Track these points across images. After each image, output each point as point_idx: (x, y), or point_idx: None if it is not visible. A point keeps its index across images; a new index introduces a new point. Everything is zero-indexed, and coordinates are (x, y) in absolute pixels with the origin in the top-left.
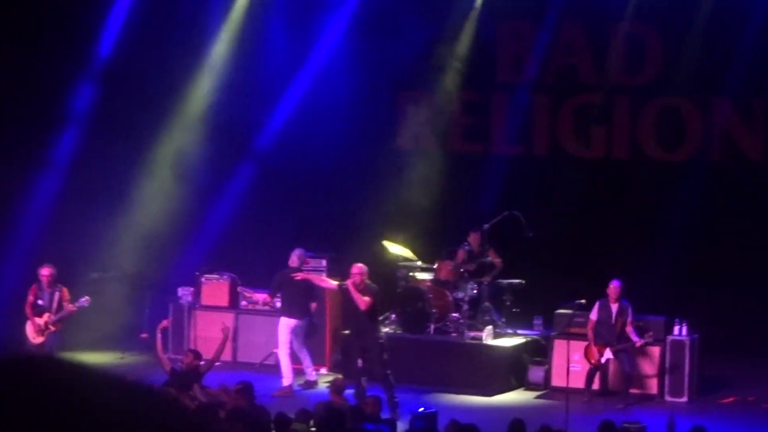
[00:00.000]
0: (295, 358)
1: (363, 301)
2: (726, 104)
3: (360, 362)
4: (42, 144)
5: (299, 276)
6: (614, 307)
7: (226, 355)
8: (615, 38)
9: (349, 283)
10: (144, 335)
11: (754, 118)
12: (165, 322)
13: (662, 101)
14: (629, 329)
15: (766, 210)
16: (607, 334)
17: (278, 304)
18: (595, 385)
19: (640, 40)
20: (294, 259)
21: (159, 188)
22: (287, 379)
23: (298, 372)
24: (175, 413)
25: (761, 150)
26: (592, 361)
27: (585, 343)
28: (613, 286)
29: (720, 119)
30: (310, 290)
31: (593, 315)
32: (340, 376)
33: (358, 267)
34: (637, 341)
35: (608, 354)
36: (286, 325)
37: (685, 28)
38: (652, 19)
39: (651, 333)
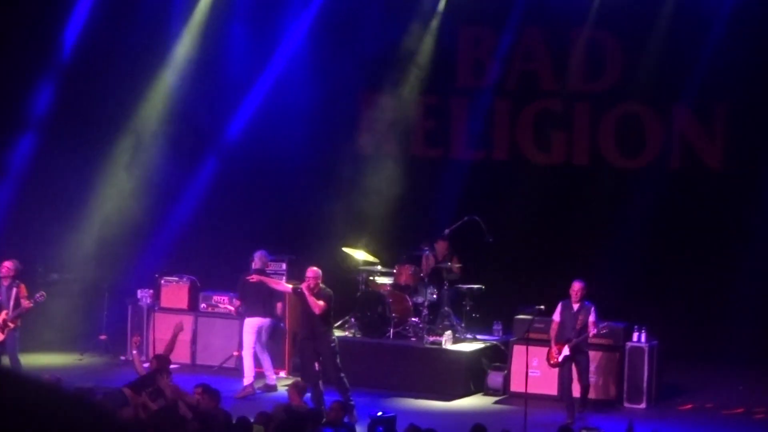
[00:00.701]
0: (256, 361)
1: (317, 305)
2: (685, 111)
3: (316, 366)
4: (1, 145)
5: (254, 278)
6: (576, 307)
7: (185, 358)
8: (575, 44)
9: (303, 286)
10: (103, 337)
11: (713, 126)
12: (136, 338)
13: (622, 108)
14: (591, 329)
15: (725, 217)
16: (570, 332)
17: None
18: (554, 390)
19: (600, 46)
20: (257, 261)
21: (118, 190)
22: (248, 378)
23: (258, 375)
24: (110, 423)
25: (720, 157)
26: (552, 362)
27: (545, 349)
28: (575, 287)
29: (679, 126)
30: (275, 291)
31: (556, 316)
32: (299, 379)
33: (313, 270)
34: (592, 331)
35: (565, 350)
36: (250, 325)
37: (645, 34)
38: (613, 25)
39: (606, 324)
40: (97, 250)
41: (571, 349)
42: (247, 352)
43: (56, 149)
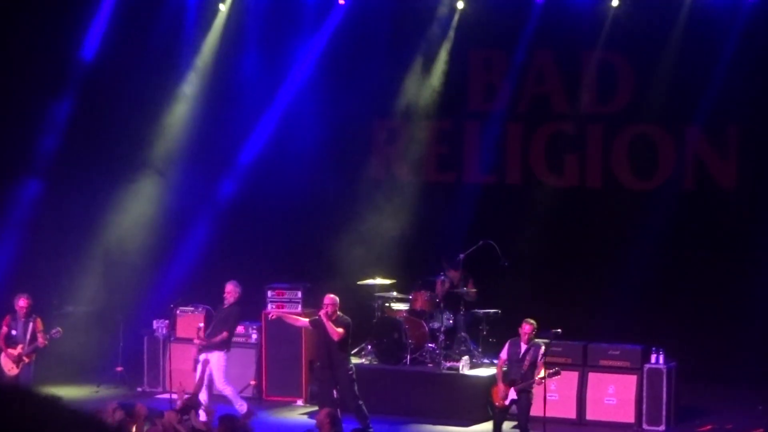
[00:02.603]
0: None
1: (336, 332)
2: (698, 132)
3: (335, 393)
4: (15, 176)
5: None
6: (524, 348)
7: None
8: (587, 67)
9: (321, 313)
10: (119, 368)
11: (726, 146)
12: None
13: (634, 129)
14: (539, 369)
15: (739, 237)
16: (515, 374)
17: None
18: (573, 414)
19: (611, 68)
20: (233, 293)
21: (132, 219)
22: (243, 405)
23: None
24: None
25: (733, 177)
26: (497, 403)
27: (563, 373)
28: (525, 329)
29: (692, 147)
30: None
31: (503, 354)
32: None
33: (330, 298)
34: (538, 380)
35: (512, 394)
36: (223, 358)
37: (657, 56)
38: (624, 47)
39: (556, 369)
40: (112, 282)
41: (517, 393)
42: (226, 384)
43: (67, 179)
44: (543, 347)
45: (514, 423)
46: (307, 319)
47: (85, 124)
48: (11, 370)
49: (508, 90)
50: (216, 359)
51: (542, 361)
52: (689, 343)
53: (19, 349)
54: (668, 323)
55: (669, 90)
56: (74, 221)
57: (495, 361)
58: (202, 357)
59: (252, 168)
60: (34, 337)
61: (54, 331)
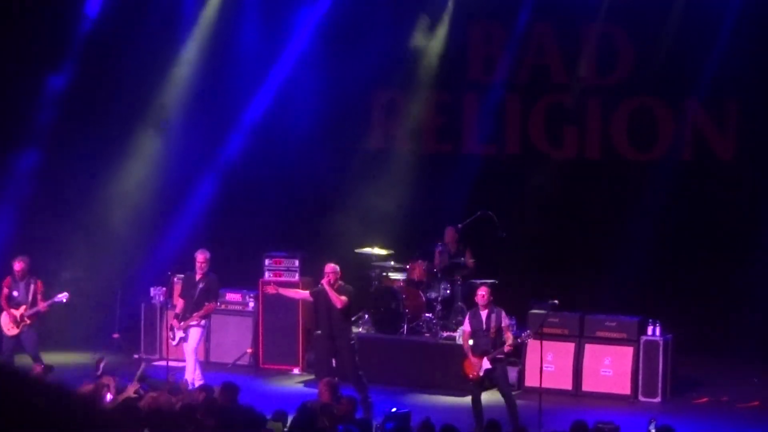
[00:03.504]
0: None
1: (339, 300)
2: (697, 104)
3: (333, 362)
4: (15, 141)
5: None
6: (484, 314)
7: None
8: (586, 39)
9: (324, 282)
10: (116, 335)
11: (725, 119)
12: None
13: (634, 101)
14: (507, 334)
15: (737, 209)
16: (483, 343)
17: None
18: (569, 385)
19: (611, 40)
20: (204, 263)
21: (131, 187)
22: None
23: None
24: (95, 416)
25: (732, 149)
26: (471, 376)
27: (560, 344)
28: (480, 294)
29: (691, 119)
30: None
31: (465, 326)
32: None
33: (332, 266)
34: (509, 340)
35: (486, 364)
36: (203, 329)
37: (657, 28)
38: (624, 19)
39: (527, 332)
40: (110, 248)
41: (491, 362)
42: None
43: (66, 145)
44: (503, 311)
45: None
46: (306, 291)
47: (82, 92)
48: (10, 330)
49: (508, 62)
50: (198, 331)
51: (508, 324)
52: (686, 316)
53: (21, 310)
54: (665, 295)
55: (669, 63)
56: (72, 188)
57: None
58: (181, 335)
59: (250, 137)
60: (35, 300)
61: (62, 294)
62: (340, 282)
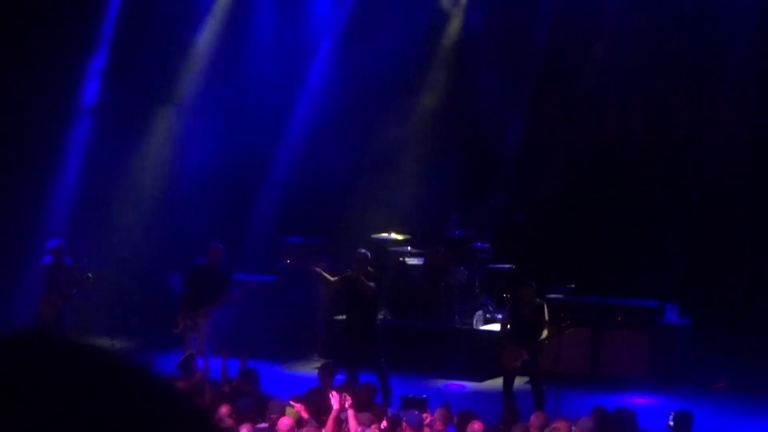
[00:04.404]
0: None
1: (368, 287)
2: (719, 87)
3: (355, 349)
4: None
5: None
6: (526, 305)
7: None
8: (605, 20)
9: (353, 269)
10: (135, 321)
11: (746, 102)
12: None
13: (652, 83)
14: (547, 327)
15: (757, 192)
16: (523, 334)
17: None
18: (586, 369)
19: (631, 21)
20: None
21: (151, 174)
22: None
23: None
24: (177, 400)
25: (751, 135)
26: (509, 366)
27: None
28: (524, 294)
29: (713, 102)
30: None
31: (506, 316)
32: (330, 360)
33: (362, 253)
34: (546, 338)
35: (524, 355)
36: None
37: (677, 10)
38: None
39: (569, 323)
40: (128, 233)
41: (530, 354)
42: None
43: (96, 134)
44: (545, 305)
45: (528, 378)
46: (335, 277)
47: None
48: (47, 315)
49: (525, 43)
50: (208, 321)
51: (547, 319)
52: (705, 300)
53: (56, 293)
54: (684, 279)
55: (688, 43)
56: (94, 169)
57: None
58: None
59: (269, 120)
60: (68, 283)
61: (84, 276)
62: (370, 269)
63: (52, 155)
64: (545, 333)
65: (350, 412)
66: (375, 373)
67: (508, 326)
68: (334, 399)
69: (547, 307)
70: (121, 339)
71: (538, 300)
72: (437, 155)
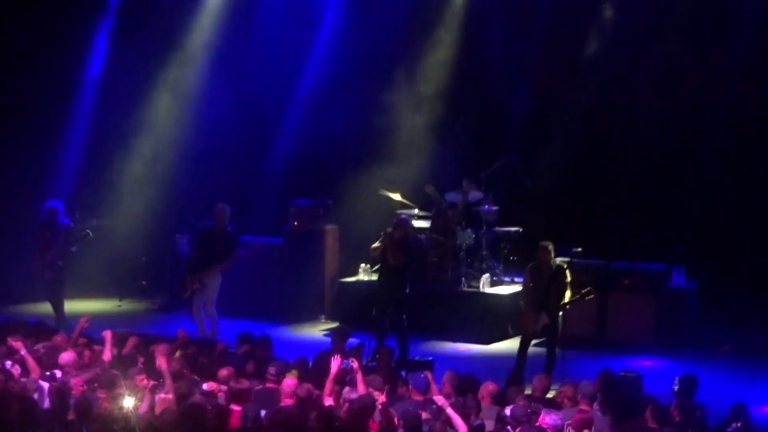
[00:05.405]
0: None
1: (399, 255)
2: (726, 51)
3: (384, 314)
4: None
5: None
6: (545, 269)
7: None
8: None
9: (393, 233)
10: (142, 283)
11: (755, 65)
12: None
13: (661, 47)
14: (567, 291)
15: (764, 154)
16: (543, 299)
17: None
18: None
19: None
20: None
21: (159, 134)
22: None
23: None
24: None
25: (760, 97)
26: (528, 330)
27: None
28: (545, 251)
29: (719, 65)
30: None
31: (526, 280)
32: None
33: (404, 219)
34: (568, 303)
35: (544, 319)
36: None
37: None
38: None
39: (589, 288)
40: (136, 195)
41: (549, 317)
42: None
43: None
44: (566, 267)
45: (535, 341)
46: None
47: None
48: (41, 273)
49: (532, 7)
50: (216, 283)
51: (568, 281)
52: (711, 263)
53: (50, 253)
54: (689, 243)
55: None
56: (100, 131)
57: (516, 280)
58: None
59: (278, 82)
60: (66, 241)
61: (83, 233)
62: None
63: (61, 120)
64: (568, 296)
65: (358, 376)
66: (396, 339)
67: (528, 290)
68: (334, 362)
69: (570, 271)
70: (129, 300)
71: (557, 262)
72: (446, 117)
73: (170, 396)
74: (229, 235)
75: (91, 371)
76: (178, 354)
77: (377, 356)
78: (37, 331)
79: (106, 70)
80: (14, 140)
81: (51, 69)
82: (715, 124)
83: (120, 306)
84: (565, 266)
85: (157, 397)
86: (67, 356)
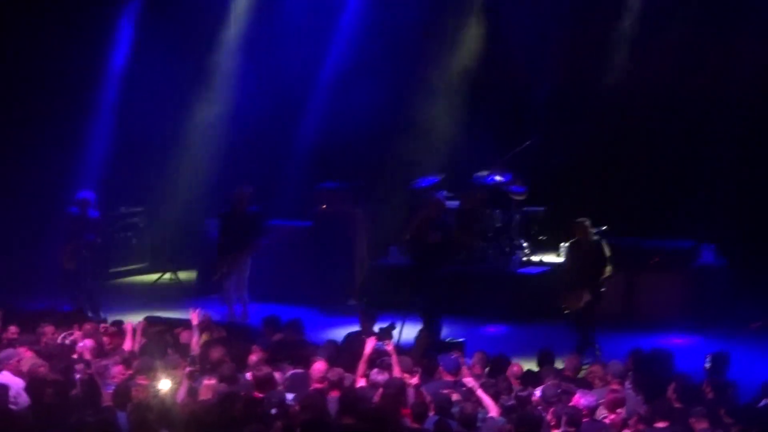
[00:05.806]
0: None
1: (433, 234)
2: (751, 25)
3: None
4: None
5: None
6: (585, 246)
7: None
8: None
9: (427, 214)
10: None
11: None
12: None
13: (686, 28)
14: (607, 266)
15: None
16: (584, 275)
17: None
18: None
19: None
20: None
21: (187, 121)
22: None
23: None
24: None
25: None
26: (570, 307)
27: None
28: (583, 226)
29: (743, 46)
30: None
31: (566, 259)
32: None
33: (436, 199)
34: (607, 277)
35: (586, 296)
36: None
37: None
38: None
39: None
40: (167, 181)
41: (591, 294)
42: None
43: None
44: (604, 243)
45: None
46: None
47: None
48: (68, 262)
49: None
50: (246, 263)
51: (608, 255)
52: (740, 241)
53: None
54: (719, 220)
55: None
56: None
57: (544, 260)
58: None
59: (306, 65)
60: (92, 233)
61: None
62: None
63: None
64: (608, 270)
65: (393, 358)
66: (424, 320)
67: (570, 267)
68: (369, 343)
69: (607, 246)
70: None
71: (595, 238)
72: (472, 99)
73: (213, 382)
74: (251, 215)
75: (111, 358)
76: (204, 337)
77: (419, 339)
78: (70, 319)
79: (133, 57)
80: (41, 131)
81: (77, 57)
82: (745, 99)
83: (172, 279)
84: (602, 241)
85: (203, 383)
86: (88, 343)
